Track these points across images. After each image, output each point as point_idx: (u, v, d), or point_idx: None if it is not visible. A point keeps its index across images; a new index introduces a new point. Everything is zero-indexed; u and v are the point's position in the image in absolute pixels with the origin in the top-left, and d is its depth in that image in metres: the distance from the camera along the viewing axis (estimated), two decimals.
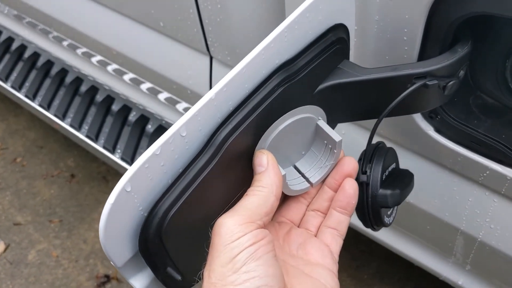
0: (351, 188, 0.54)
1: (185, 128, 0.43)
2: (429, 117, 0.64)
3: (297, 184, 0.55)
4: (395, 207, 0.58)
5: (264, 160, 0.49)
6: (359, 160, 0.56)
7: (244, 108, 0.47)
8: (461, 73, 0.56)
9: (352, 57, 0.60)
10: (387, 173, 0.56)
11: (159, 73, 0.95)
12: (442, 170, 0.70)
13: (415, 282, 1.40)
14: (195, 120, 0.43)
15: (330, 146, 0.54)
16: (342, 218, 0.54)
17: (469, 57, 0.56)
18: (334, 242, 0.54)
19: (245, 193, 0.47)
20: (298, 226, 0.57)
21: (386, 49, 0.60)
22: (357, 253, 1.45)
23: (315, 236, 0.55)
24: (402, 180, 0.57)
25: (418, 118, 0.65)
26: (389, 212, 0.57)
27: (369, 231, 0.90)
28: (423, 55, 0.59)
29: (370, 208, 0.55)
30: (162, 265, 0.46)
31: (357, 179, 0.55)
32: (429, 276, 1.39)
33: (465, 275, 0.84)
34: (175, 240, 0.45)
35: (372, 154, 0.56)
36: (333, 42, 0.53)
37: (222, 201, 0.48)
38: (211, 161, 0.45)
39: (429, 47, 0.57)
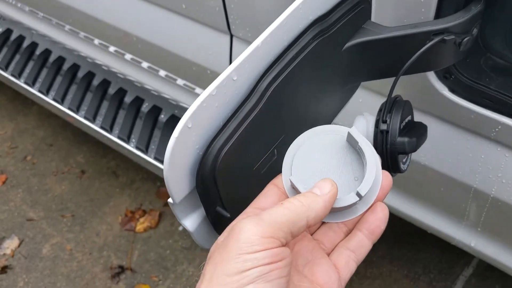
0: (382, 212, 0.50)
1: (236, 73, 0.47)
2: (444, 77, 0.69)
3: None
4: (409, 156, 0.62)
5: (326, 188, 0.45)
6: (379, 111, 0.60)
7: (284, 58, 0.51)
8: (475, 30, 0.62)
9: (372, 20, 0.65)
10: (404, 123, 0.60)
11: (179, 55, 0.99)
12: (455, 129, 0.75)
13: (423, 263, 1.45)
14: (244, 66, 0.48)
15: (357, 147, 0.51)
16: (365, 242, 0.51)
17: (481, 16, 0.61)
18: (347, 268, 0.50)
19: (282, 202, 0.44)
20: (312, 235, 0.53)
21: (404, 12, 0.65)
22: None
23: (328, 254, 0.51)
24: (417, 131, 0.61)
25: (433, 78, 0.70)
26: (404, 160, 0.61)
27: None
28: (438, 17, 0.63)
29: (388, 154, 0.59)
30: (214, 202, 0.50)
31: (377, 127, 0.59)
32: (436, 257, 1.44)
33: (477, 237, 0.88)
34: (226, 179, 0.50)
35: (392, 105, 0.60)
36: (359, 2, 0.58)
37: (265, 145, 0.52)
38: (257, 106, 0.49)
39: (444, 8, 0.62)
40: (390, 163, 0.60)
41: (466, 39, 0.60)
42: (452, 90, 0.70)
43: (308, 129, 0.54)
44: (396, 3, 0.64)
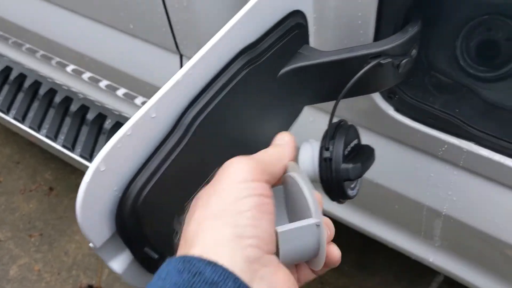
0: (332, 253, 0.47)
1: (155, 110, 0.46)
2: (388, 97, 0.68)
3: None
4: (359, 181, 0.60)
5: (285, 137, 0.49)
6: (323, 138, 0.59)
7: (210, 90, 0.50)
8: (414, 52, 0.60)
9: (312, 44, 0.64)
10: (349, 148, 0.59)
11: (132, 75, 0.97)
12: (404, 148, 0.74)
13: (394, 271, 1.44)
14: (163, 102, 0.46)
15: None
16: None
17: (419, 36, 0.60)
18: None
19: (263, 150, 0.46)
20: None
21: (344, 34, 0.63)
22: None
23: None
24: (363, 155, 0.60)
25: (378, 99, 0.69)
26: (352, 185, 0.59)
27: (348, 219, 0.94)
28: (377, 38, 0.62)
29: (334, 182, 0.57)
30: (140, 244, 0.48)
31: (320, 155, 0.57)
32: (407, 264, 1.43)
33: (435, 252, 0.87)
34: (151, 219, 0.48)
35: (335, 131, 0.59)
36: (292, 27, 0.56)
37: (195, 180, 0.51)
38: (181, 141, 0.48)
39: (382, 29, 0.61)
40: (337, 191, 0.59)
41: (404, 61, 0.59)
42: (397, 110, 0.69)
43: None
44: (334, 26, 0.63)
